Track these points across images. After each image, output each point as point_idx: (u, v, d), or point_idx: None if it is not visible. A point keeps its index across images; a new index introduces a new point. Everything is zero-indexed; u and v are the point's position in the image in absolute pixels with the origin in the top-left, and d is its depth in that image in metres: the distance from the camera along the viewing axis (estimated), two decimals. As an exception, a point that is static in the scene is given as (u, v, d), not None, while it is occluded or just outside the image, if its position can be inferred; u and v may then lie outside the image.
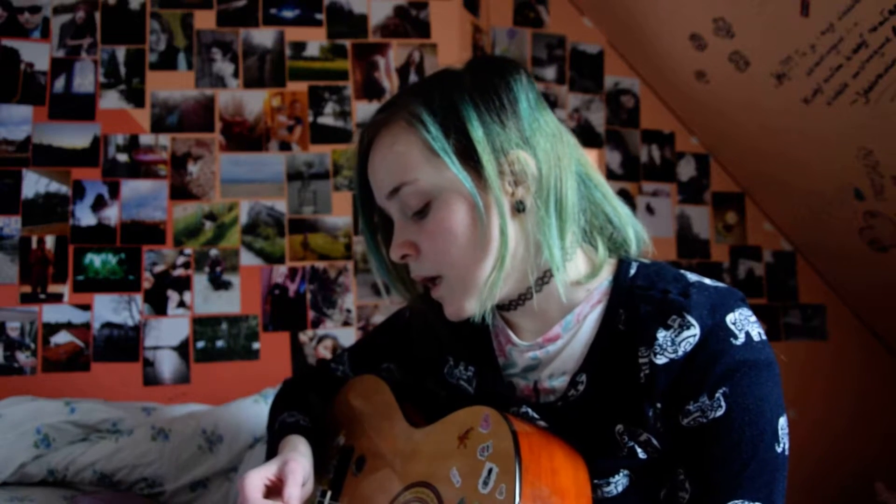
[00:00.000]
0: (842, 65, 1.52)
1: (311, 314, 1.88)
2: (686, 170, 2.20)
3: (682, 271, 0.81)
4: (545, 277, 0.81)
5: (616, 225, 0.84)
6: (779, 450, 0.72)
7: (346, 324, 1.89)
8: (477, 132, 0.76)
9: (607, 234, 0.84)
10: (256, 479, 0.82)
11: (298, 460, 0.86)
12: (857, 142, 1.64)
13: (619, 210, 0.84)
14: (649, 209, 2.15)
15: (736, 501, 0.70)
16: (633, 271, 0.82)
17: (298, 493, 0.82)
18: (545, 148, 0.78)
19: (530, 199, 0.78)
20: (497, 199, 0.76)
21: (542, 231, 0.77)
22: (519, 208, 0.78)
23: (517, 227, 0.79)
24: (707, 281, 0.79)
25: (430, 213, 0.78)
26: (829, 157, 1.76)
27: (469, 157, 0.77)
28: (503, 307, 0.85)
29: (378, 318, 1.90)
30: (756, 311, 0.78)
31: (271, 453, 0.96)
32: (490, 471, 0.72)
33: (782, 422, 0.73)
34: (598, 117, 2.16)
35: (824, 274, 2.19)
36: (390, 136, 0.80)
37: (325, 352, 1.87)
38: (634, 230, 0.84)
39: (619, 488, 0.77)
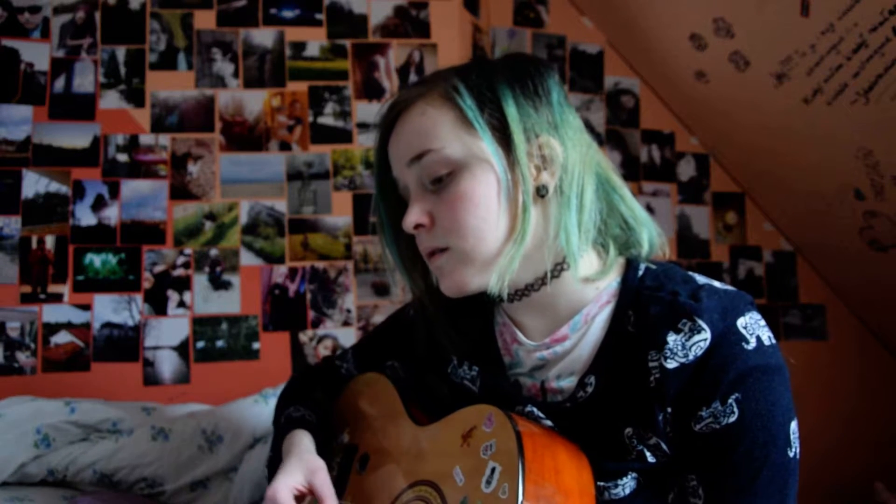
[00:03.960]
0: (842, 65, 1.52)
1: (311, 314, 1.88)
2: (686, 170, 2.20)
3: (691, 273, 0.81)
4: (555, 270, 0.81)
5: (632, 227, 0.83)
6: (791, 454, 0.72)
7: (346, 324, 1.89)
8: (511, 110, 0.77)
9: (621, 241, 0.84)
10: (286, 492, 0.82)
11: (323, 468, 0.86)
12: (857, 142, 1.64)
13: (637, 213, 0.84)
14: (649, 209, 2.15)
15: None
16: (640, 272, 0.82)
17: None
18: (573, 138, 0.80)
19: (553, 184, 0.79)
20: (524, 177, 0.77)
21: (561, 218, 0.78)
22: (541, 193, 0.78)
23: (538, 210, 0.79)
24: (716, 284, 0.78)
25: (454, 182, 0.78)
26: (829, 157, 1.76)
27: (501, 134, 0.78)
28: (513, 297, 0.84)
29: (378, 318, 1.90)
30: (756, 311, 0.78)
31: (276, 447, 0.96)
32: (493, 469, 0.71)
33: (793, 426, 0.73)
34: (598, 117, 2.16)
35: (824, 274, 2.19)
36: (423, 105, 0.80)
37: (325, 352, 1.87)
38: (650, 234, 0.84)
39: (627, 490, 0.76)
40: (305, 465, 0.86)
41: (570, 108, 0.82)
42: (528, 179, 0.77)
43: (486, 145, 0.77)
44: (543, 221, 0.79)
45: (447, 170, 0.78)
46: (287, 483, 0.83)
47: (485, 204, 0.77)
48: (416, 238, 0.84)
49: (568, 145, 0.79)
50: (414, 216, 0.80)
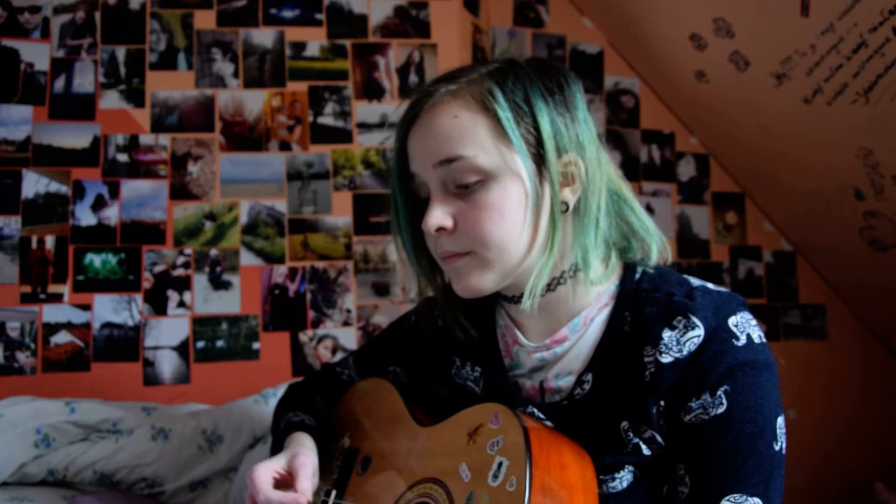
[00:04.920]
0: (842, 65, 1.53)
1: (311, 314, 1.88)
2: (686, 170, 2.20)
3: (686, 276, 0.84)
4: (567, 276, 0.82)
5: (642, 237, 0.85)
6: (777, 448, 0.74)
7: (346, 324, 1.89)
8: (546, 126, 0.78)
9: (622, 246, 0.86)
10: (265, 472, 0.84)
11: (307, 454, 0.87)
12: (857, 142, 1.64)
13: (647, 224, 0.86)
14: (649, 209, 2.15)
15: (734, 496, 0.72)
16: (637, 275, 0.84)
17: (310, 486, 0.84)
18: (595, 156, 0.81)
19: (574, 201, 0.80)
20: (553, 193, 0.78)
21: (580, 233, 0.80)
22: (562, 209, 0.80)
23: (560, 224, 0.80)
24: (710, 285, 0.82)
25: (483, 190, 0.78)
26: (829, 157, 1.76)
27: (533, 148, 0.78)
28: (514, 299, 0.86)
29: (378, 318, 1.90)
30: (756, 311, 0.81)
31: (276, 452, 0.96)
32: (500, 464, 0.72)
33: (780, 421, 0.75)
34: (598, 117, 2.16)
35: (824, 274, 2.19)
36: (455, 107, 0.79)
37: (324, 352, 1.87)
38: (657, 244, 0.86)
39: (624, 484, 0.78)
40: (290, 452, 0.88)
41: (590, 120, 0.83)
42: (557, 196, 0.78)
43: (520, 159, 0.77)
44: (563, 235, 0.81)
45: (476, 178, 0.78)
46: (268, 465, 0.85)
47: (511, 216, 0.77)
48: (429, 238, 0.84)
49: (591, 164, 0.80)
50: (437, 219, 0.79)
